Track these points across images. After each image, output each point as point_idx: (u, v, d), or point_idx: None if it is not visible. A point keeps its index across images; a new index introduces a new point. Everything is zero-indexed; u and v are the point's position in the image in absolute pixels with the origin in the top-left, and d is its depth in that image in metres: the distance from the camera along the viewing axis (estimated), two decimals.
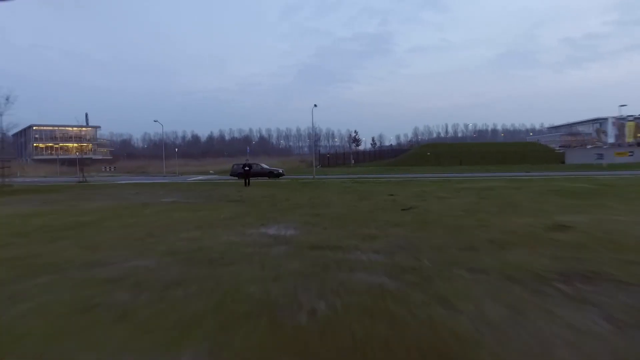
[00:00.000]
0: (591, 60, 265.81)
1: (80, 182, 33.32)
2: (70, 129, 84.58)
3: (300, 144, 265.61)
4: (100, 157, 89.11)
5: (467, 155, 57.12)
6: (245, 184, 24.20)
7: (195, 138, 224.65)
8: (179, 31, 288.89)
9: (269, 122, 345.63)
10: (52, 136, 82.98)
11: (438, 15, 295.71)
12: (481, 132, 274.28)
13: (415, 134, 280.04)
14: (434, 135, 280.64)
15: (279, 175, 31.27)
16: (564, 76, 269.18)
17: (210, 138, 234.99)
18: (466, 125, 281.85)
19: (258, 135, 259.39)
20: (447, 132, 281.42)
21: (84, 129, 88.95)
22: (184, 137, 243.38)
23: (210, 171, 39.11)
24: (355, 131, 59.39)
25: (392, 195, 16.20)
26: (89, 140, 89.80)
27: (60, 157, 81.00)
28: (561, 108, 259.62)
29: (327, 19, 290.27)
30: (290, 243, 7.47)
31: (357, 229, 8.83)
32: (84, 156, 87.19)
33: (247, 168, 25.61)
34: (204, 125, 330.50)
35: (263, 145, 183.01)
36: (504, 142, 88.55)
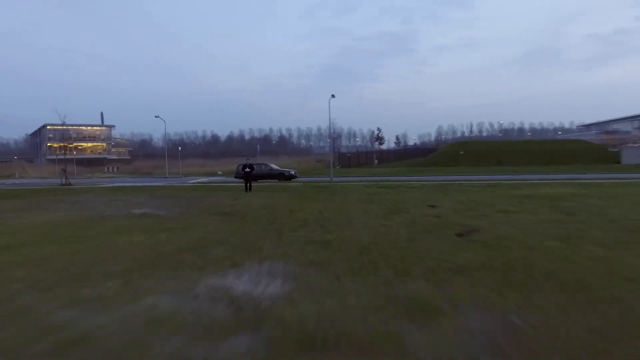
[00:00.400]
0: (620, 56, 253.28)
1: (62, 184, 30.35)
2: (84, 128, 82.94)
3: (321, 144, 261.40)
4: (115, 157, 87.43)
5: (506, 155, 51.61)
6: (247, 189, 20.31)
7: (215, 138, 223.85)
8: (203, 34, 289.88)
9: (290, 122, 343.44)
10: (66, 136, 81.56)
11: (462, 12, 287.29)
12: (507, 131, 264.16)
13: (439, 133, 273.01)
14: (458, 134, 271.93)
15: (290, 177, 26.92)
16: (592, 73, 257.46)
17: (230, 138, 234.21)
18: (491, 124, 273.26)
19: (278, 134, 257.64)
20: (471, 131, 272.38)
21: (97, 128, 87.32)
22: (204, 137, 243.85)
23: (219, 172, 35.83)
24: (378, 129, 54.58)
25: (433, 206, 12.03)
26: (103, 140, 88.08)
27: (71, 157, 79.61)
28: (589, 105, 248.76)
29: (348, 19, 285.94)
30: (263, 330, 3.60)
31: (394, 280, 4.93)
32: (99, 156, 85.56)
33: (247, 169, 21.41)
34: (225, 125, 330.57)
35: (283, 144, 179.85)
36: (549, 140, 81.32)
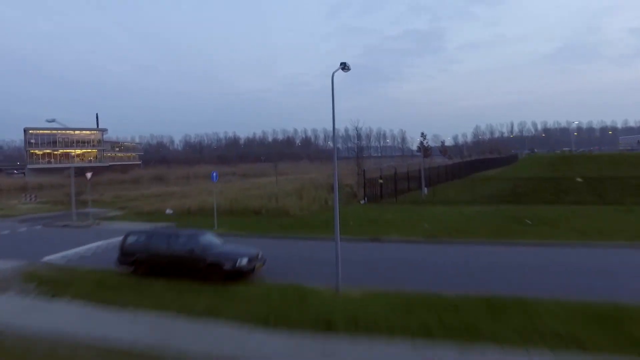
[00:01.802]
0: None
1: None
2: (72, 132, 71.64)
3: (350, 145, 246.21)
4: (107, 164, 75.52)
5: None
6: None
7: (234, 140, 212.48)
8: (227, 34, 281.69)
9: (315, 123, 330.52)
10: (51, 141, 70.45)
11: (491, 9, 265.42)
12: (549, 131, 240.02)
13: (477, 133, 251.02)
14: (497, 134, 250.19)
15: (233, 273, 9.93)
16: (631, 69, 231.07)
17: (250, 140, 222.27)
18: (534, 124, 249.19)
19: (303, 135, 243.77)
20: (512, 130, 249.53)
21: (88, 132, 75.83)
22: (226, 138, 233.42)
23: (167, 210, 22.09)
24: (422, 135, 38.37)
25: None
26: (94, 146, 76.40)
27: (57, 165, 68.28)
28: (628, 103, 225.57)
29: (374, 17, 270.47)
30: None
31: None
32: (88, 164, 73.97)
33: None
34: (247, 126, 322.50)
35: (306, 147, 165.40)
36: None
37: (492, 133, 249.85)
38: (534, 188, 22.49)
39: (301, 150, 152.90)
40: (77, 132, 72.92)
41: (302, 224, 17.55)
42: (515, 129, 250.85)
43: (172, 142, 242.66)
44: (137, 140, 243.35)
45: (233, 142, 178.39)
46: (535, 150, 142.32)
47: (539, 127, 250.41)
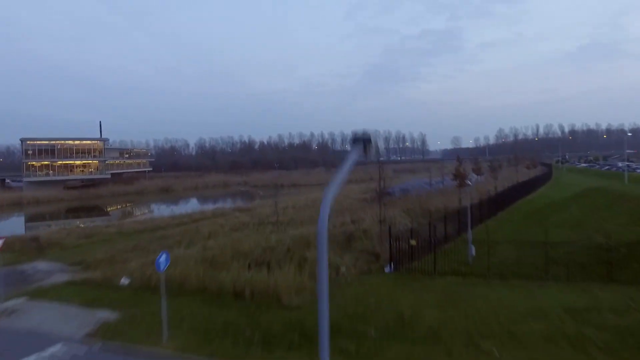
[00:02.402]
0: None
1: None
2: (71, 142, 67.41)
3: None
4: (108, 176, 71.25)
5: None
6: None
7: (249, 145, 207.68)
8: (246, 34, 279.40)
9: (332, 124, 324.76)
10: (49, 151, 66.43)
11: (510, 7, 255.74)
12: (575, 133, 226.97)
13: (500, 136, 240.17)
14: (520, 136, 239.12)
15: None
16: None
17: (265, 144, 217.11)
18: (561, 126, 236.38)
19: (320, 139, 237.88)
20: (537, 132, 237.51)
21: (88, 142, 71.51)
22: (240, 141, 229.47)
23: (123, 279, 16.88)
24: (459, 160, 31.25)
25: None
26: (95, 157, 72.00)
27: (55, 178, 64.32)
28: None
29: (392, 17, 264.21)
30: None
31: None
32: (90, 176, 69.63)
33: None
34: (264, 127, 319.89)
35: (323, 151, 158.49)
36: None
37: (515, 135, 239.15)
38: (628, 253, 15.80)
39: (318, 155, 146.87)
40: (77, 142, 68.78)
41: (298, 326, 11.49)
42: (541, 131, 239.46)
43: (187, 145, 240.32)
44: (151, 143, 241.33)
45: (247, 147, 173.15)
46: (567, 155, 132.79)
47: (566, 129, 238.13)
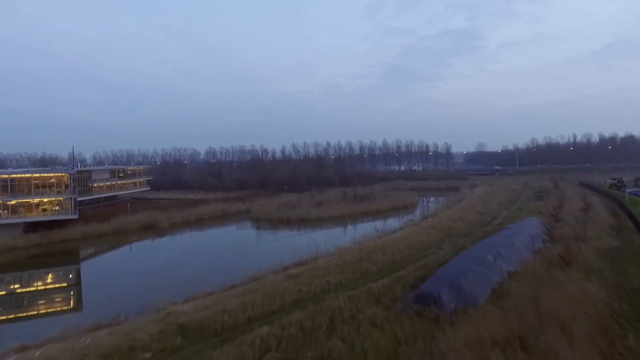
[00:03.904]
0: None
1: None
2: (29, 175, 55.04)
3: (388, 161, 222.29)
4: (74, 217, 58.59)
5: None
6: None
7: (260, 156, 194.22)
8: (265, 35, 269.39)
9: (350, 130, 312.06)
10: (3, 188, 54.10)
11: (532, 5, 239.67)
12: (613, 141, 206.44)
13: (532, 144, 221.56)
14: (553, 140, 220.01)
15: None
16: None
17: (276, 159, 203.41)
18: (601, 135, 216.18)
19: (336, 149, 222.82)
20: (574, 140, 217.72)
21: (48, 175, 58.81)
22: (252, 151, 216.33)
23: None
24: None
25: None
26: (59, 193, 59.31)
27: (8, 221, 51.97)
28: None
29: (411, 16, 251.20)
30: None
31: None
32: (52, 217, 57.00)
33: None
34: (279, 133, 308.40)
35: (339, 166, 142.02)
36: None
37: (548, 139, 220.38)
38: None
39: (333, 172, 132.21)
40: (36, 175, 56.44)
41: None
42: (579, 138, 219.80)
43: (197, 153, 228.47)
44: (159, 152, 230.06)
45: (258, 160, 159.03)
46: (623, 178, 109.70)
47: (606, 135, 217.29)
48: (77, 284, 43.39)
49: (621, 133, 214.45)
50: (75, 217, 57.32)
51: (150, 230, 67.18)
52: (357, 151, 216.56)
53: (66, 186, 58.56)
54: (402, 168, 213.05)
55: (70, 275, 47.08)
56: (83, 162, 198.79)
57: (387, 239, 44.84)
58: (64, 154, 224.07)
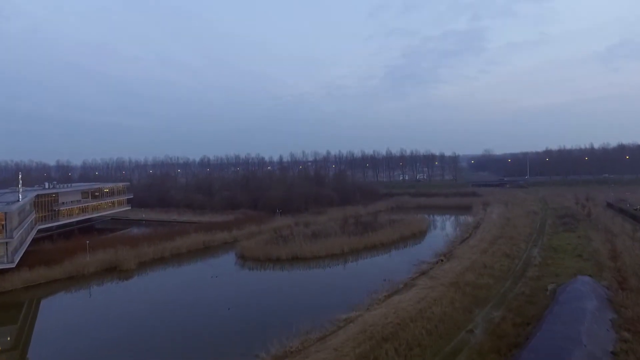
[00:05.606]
0: None
1: None
2: None
3: (391, 171, 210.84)
4: (14, 265, 48.06)
5: None
6: None
7: (255, 168, 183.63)
8: (272, 37, 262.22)
9: (353, 129, 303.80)
10: None
11: (535, 6, 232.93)
12: (626, 150, 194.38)
13: (548, 155, 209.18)
14: (567, 147, 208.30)
15: None
16: None
17: (274, 166, 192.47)
18: (619, 143, 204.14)
19: (337, 160, 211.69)
20: (592, 147, 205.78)
21: None
22: (248, 160, 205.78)
23: None
24: None
25: None
26: None
27: None
28: None
29: (414, 17, 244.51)
30: None
31: None
32: None
33: None
34: (279, 139, 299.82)
35: (339, 181, 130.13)
36: None
37: (561, 150, 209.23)
38: None
39: (333, 189, 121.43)
40: None
41: None
42: (595, 145, 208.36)
43: (192, 162, 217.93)
44: (149, 161, 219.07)
45: (252, 174, 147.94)
46: None
47: (624, 143, 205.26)
48: (14, 348, 34.06)
49: (638, 140, 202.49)
50: (12, 266, 46.82)
51: (114, 272, 56.66)
52: (359, 160, 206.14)
53: (1, 227, 48.12)
54: (406, 176, 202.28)
55: (8, 338, 36.68)
56: (66, 169, 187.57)
57: (397, 306, 34.40)
58: (52, 161, 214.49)
